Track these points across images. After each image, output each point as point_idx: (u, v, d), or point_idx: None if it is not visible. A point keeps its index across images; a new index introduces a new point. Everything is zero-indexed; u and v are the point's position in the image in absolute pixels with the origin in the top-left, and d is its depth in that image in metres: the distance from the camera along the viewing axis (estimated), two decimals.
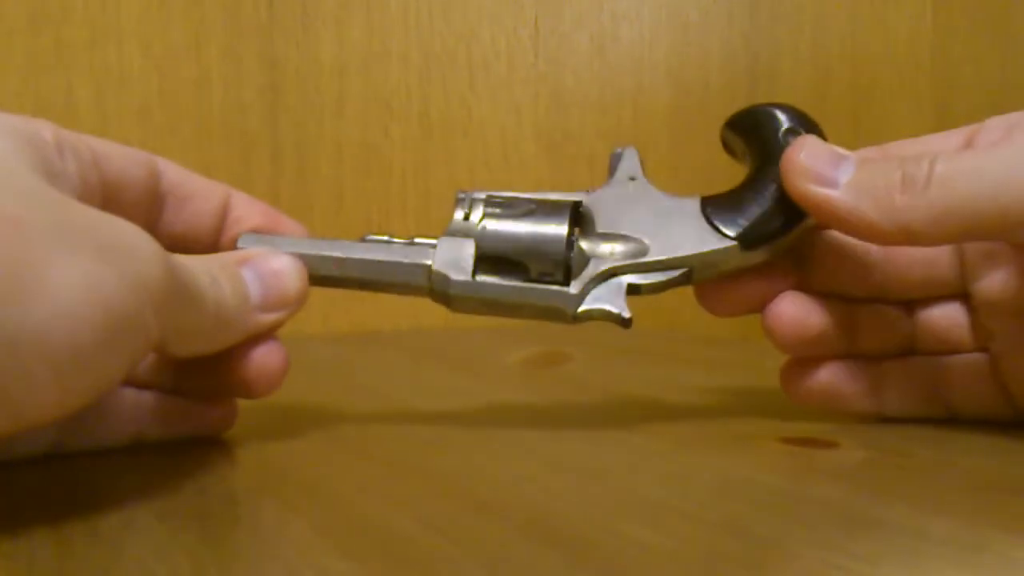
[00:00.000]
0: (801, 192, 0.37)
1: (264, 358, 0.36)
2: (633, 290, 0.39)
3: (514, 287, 0.39)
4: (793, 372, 0.41)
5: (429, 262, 0.39)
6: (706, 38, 0.94)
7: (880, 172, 0.35)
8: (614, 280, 0.39)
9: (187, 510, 0.29)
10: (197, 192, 0.39)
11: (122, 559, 0.25)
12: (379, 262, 0.40)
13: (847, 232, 0.37)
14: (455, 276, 0.39)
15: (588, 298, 0.39)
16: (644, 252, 0.39)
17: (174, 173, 0.38)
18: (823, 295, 0.40)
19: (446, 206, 0.40)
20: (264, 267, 0.37)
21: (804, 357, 0.40)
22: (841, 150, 0.37)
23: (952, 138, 0.39)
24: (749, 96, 0.94)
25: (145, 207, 0.37)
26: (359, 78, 0.84)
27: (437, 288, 0.39)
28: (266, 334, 0.37)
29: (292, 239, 0.40)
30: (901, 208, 0.34)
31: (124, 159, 0.36)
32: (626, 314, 0.39)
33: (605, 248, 0.39)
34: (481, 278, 0.39)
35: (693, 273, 0.39)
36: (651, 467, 0.35)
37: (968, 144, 0.38)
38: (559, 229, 0.39)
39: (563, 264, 0.38)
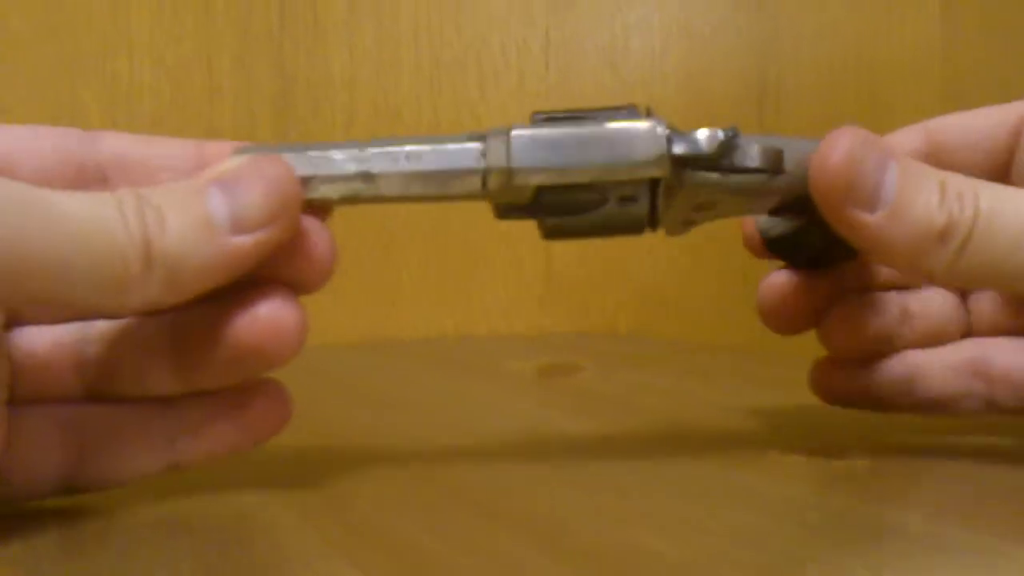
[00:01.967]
0: (836, 216, 0.32)
1: (272, 315, 0.30)
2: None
3: (591, 124, 0.32)
4: (826, 370, 0.39)
5: (478, 143, 0.32)
6: (716, 49, 0.94)
7: (922, 205, 0.31)
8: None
9: (196, 519, 0.29)
10: (152, 158, 0.34)
11: (130, 568, 0.25)
12: (414, 151, 0.32)
13: (869, 255, 0.34)
14: (517, 130, 0.32)
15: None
16: None
17: (125, 144, 0.34)
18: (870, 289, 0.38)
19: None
20: (234, 179, 0.29)
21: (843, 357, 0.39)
22: (883, 144, 0.32)
23: (911, 135, 0.38)
24: (759, 107, 0.94)
25: (67, 183, 0.31)
26: (369, 88, 0.84)
27: (494, 162, 0.32)
28: (275, 289, 0.30)
29: (300, 145, 0.33)
30: (932, 260, 0.31)
31: (11, 136, 0.32)
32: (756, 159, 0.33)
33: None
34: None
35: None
36: (662, 477, 0.35)
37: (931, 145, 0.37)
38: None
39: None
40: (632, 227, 0.33)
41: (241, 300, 0.30)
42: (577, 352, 0.71)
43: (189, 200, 0.28)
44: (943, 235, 0.31)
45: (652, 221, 0.33)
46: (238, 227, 0.29)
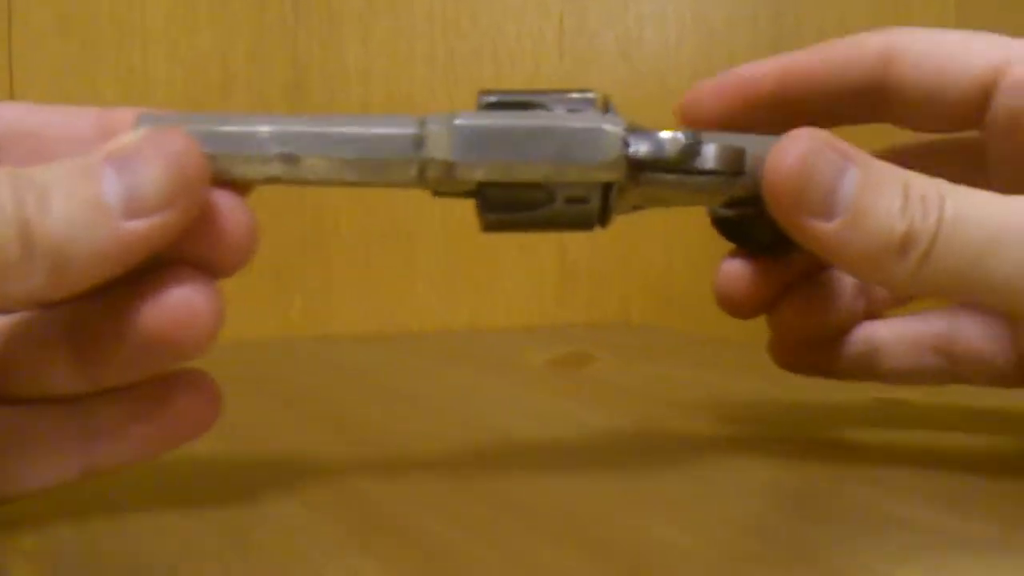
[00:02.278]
0: (789, 224, 0.30)
1: (181, 301, 0.27)
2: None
3: (543, 116, 0.30)
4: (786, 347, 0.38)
5: (415, 129, 0.29)
6: (731, 41, 0.94)
7: (883, 213, 0.29)
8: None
9: (213, 510, 0.30)
10: (48, 127, 0.31)
11: (148, 559, 0.26)
12: (345, 134, 0.29)
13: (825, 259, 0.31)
14: (461, 119, 0.29)
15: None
16: None
17: (19, 113, 0.31)
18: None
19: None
20: (129, 156, 0.26)
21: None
22: (842, 146, 0.30)
23: (805, 61, 0.35)
24: None
25: None
26: (384, 78, 0.84)
27: (434, 153, 0.29)
28: (185, 273, 0.27)
29: (217, 116, 0.29)
30: (892, 270, 0.29)
31: None
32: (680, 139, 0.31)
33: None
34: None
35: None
36: (676, 467, 0.35)
37: None
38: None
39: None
40: (580, 225, 0.31)
41: (147, 286, 0.27)
42: (591, 343, 0.71)
43: (78, 179, 0.26)
44: (903, 244, 0.29)
45: (603, 219, 0.31)
46: (132, 210, 0.25)
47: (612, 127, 0.30)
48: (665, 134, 0.31)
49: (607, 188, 0.30)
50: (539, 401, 0.49)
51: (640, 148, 0.30)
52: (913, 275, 0.29)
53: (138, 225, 0.25)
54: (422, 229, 0.83)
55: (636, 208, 0.33)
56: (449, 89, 0.86)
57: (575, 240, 0.87)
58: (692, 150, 0.31)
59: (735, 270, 0.36)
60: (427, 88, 0.85)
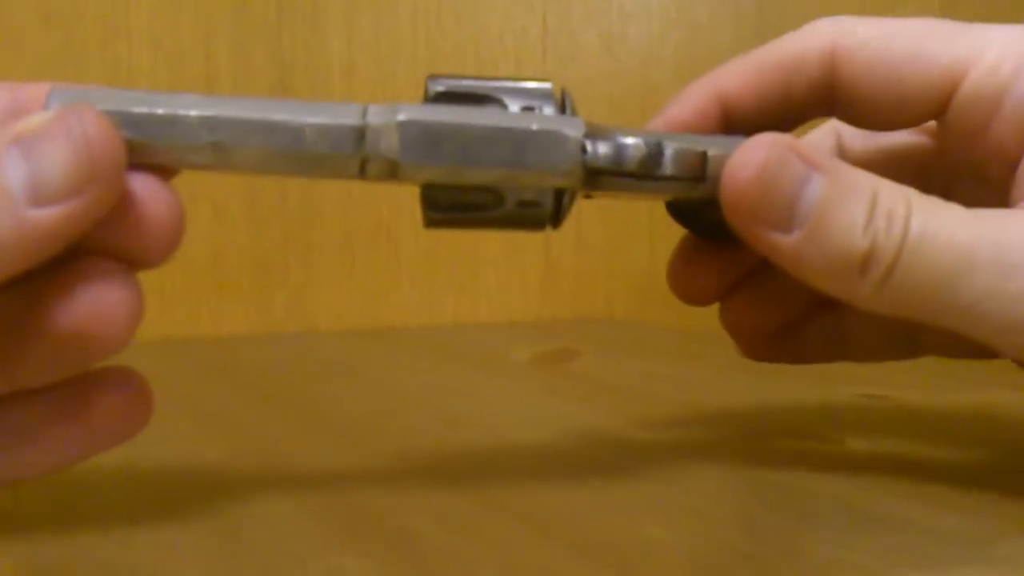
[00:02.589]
0: (747, 234, 0.29)
1: (96, 295, 0.25)
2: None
3: (497, 115, 0.28)
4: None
5: (356, 121, 0.27)
6: (715, 36, 0.94)
7: (844, 227, 0.27)
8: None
9: (197, 506, 0.30)
10: None
11: (131, 556, 0.26)
12: (280, 123, 0.26)
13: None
14: (405, 113, 0.27)
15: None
16: None
17: None
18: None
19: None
20: (35, 139, 0.24)
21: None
22: (808, 152, 0.28)
23: (738, 75, 0.34)
24: None
25: None
26: (368, 77, 0.84)
27: (377, 150, 0.27)
28: (100, 264, 0.25)
29: (139, 94, 0.26)
30: (852, 288, 0.28)
31: None
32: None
33: None
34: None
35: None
36: (660, 464, 0.35)
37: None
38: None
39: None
40: (530, 227, 0.29)
41: (60, 280, 0.25)
42: (575, 339, 0.71)
43: None
44: (864, 263, 0.27)
45: (555, 221, 0.29)
46: (37, 198, 0.23)
47: (572, 131, 0.28)
48: (627, 139, 0.29)
49: (560, 192, 0.29)
50: (523, 397, 0.49)
51: (599, 155, 0.28)
52: (874, 294, 0.28)
53: (44, 214, 0.23)
54: (406, 225, 0.83)
55: (587, 197, 0.31)
56: None
57: (559, 236, 0.87)
58: (653, 158, 0.29)
59: (687, 256, 0.35)
60: (411, 85, 0.85)
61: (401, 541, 0.26)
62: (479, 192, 0.28)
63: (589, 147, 0.28)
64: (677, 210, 0.34)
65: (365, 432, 0.40)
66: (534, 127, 0.27)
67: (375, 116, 0.27)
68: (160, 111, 0.26)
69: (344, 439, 0.39)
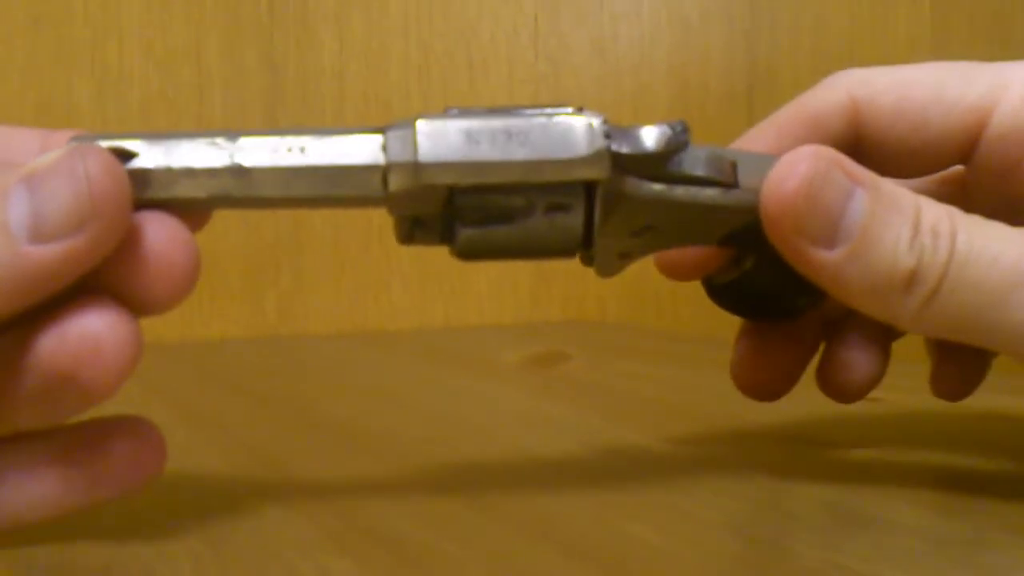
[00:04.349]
0: (787, 250, 0.27)
1: (85, 332, 0.24)
2: None
3: (514, 114, 0.27)
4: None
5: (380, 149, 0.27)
6: (706, 38, 0.94)
7: (889, 245, 0.27)
8: None
9: (188, 509, 0.30)
10: None
11: (123, 558, 0.25)
12: (299, 143, 0.26)
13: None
14: (424, 120, 0.27)
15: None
16: None
17: None
18: None
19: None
20: (40, 177, 0.24)
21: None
22: (851, 166, 0.27)
23: (760, 139, 0.33)
24: (749, 96, 0.94)
25: None
26: (359, 78, 0.84)
27: (397, 156, 0.26)
28: (94, 301, 0.24)
29: (163, 135, 0.26)
30: (895, 307, 0.27)
31: None
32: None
33: None
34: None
35: None
36: (651, 466, 0.35)
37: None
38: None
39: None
40: (563, 244, 0.28)
41: (52, 317, 0.24)
42: (566, 342, 0.71)
43: None
44: (909, 281, 0.26)
45: (587, 239, 0.28)
46: (37, 234, 0.23)
47: (591, 119, 0.27)
48: (646, 127, 0.28)
49: (590, 194, 0.27)
50: (514, 400, 0.49)
51: (623, 143, 0.27)
52: (918, 314, 0.27)
53: (43, 250, 0.23)
54: None
55: (624, 258, 0.30)
56: (424, 89, 0.86)
57: None
58: (678, 142, 0.28)
59: (749, 351, 0.34)
60: (402, 87, 0.85)
61: (391, 544, 0.26)
62: (507, 195, 0.27)
63: (613, 136, 0.27)
64: (718, 291, 0.33)
65: (355, 435, 0.40)
66: (553, 119, 0.27)
67: (393, 128, 0.27)
68: (176, 142, 0.26)
69: (335, 442, 0.39)
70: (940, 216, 0.27)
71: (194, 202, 0.26)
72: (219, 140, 0.26)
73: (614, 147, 0.27)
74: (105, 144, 0.25)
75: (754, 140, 0.33)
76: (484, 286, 0.86)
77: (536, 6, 0.89)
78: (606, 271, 0.30)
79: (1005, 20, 1.02)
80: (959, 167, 0.33)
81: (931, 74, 0.32)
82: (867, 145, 0.32)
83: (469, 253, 0.28)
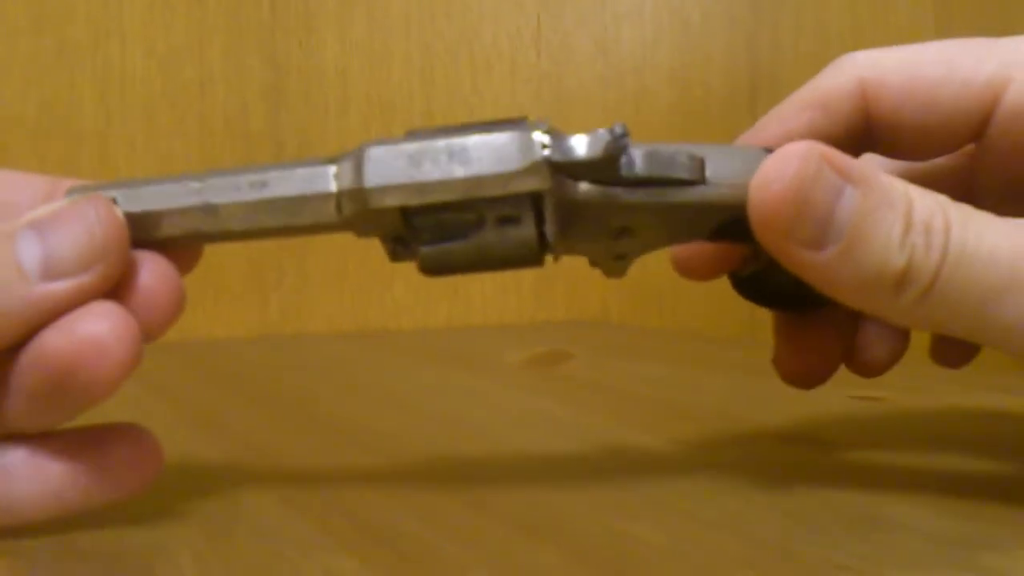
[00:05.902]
0: (776, 250, 0.27)
1: (90, 327, 0.26)
2: None
3: (454, 133, 0.28)
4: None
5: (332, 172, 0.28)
6: (708, 39, 0.94)
7: (880, 243, 0.26)
8: None
9: (190, 509, 0.30)
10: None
11: (125, 558, 0.26)
12: (259, 179, 0.28)
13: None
14: (369, 147, 0.28)
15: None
16: None
17: None
18: None
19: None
20: (49, 222, 0.27)
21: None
22: (841, 162, 0.26)
23: (768, 128, 0.33)
24: (751, 96, 0.95)
25: None
26: (361, 78, 0.84)
27: (346, 183, 0.28)
28: (107, 308, 0.26)
29: (141, 181, 0.29)
30: (886, 307, 0.27)
31: None
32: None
33: None
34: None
35: None
36: (652, 466, 0.35)
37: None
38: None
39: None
40: (523, 254, 0.29)
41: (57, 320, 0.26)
42: (569, 341, 0.71)
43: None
44: (900, 281, 0.26)
45: (544, 245, 0.29)
46: (49, 272, 0.26)
47: (524, 131, 0.27)
48: (579, 135, 0.28)
49: (537, 204, 0.28)
50: (516, 400, 0.50)
51: (559, 150, 0.27)
52: (909, 311, 0.26)
53: (55, 287, 0.26)
54: None
55: (621, 259, 0.31)
56: (427, 89, 0.86)
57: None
58: (616, 147, 0.28)
59: (786, 339, 0.34)
60: (405, 87, 0.85)
61: (393, 542, 0.26)
62: (456, 211, 0.28)
63: (551, 145, 0.27)
64: (742, 285, 0.33)
65: (358, 434, 0.40)
66: (488, 135, 0.27)
67: (345, 158, 0.28)
68: (154, 188, 0.28)
69: (337, 441, 0.39)
70: (933, 210, 0.26)
71: (173, 240, 0.29)
72: (191, 183, 0.28)
73: (554, 157, 0.27)
74: (102, 193, 0.28)
75: (763, 129, 0.33)
76: (487, 286, 0.86)
77: (538, 6, 0.89)
78: (611, 272, 0.31)
79: (1007, 19, 1.02)
80: (970, 146, 0.33)
81: (940, 52, 0.31)
82: (877, 127, 0.32)
83: (431, 269, 0.29)
